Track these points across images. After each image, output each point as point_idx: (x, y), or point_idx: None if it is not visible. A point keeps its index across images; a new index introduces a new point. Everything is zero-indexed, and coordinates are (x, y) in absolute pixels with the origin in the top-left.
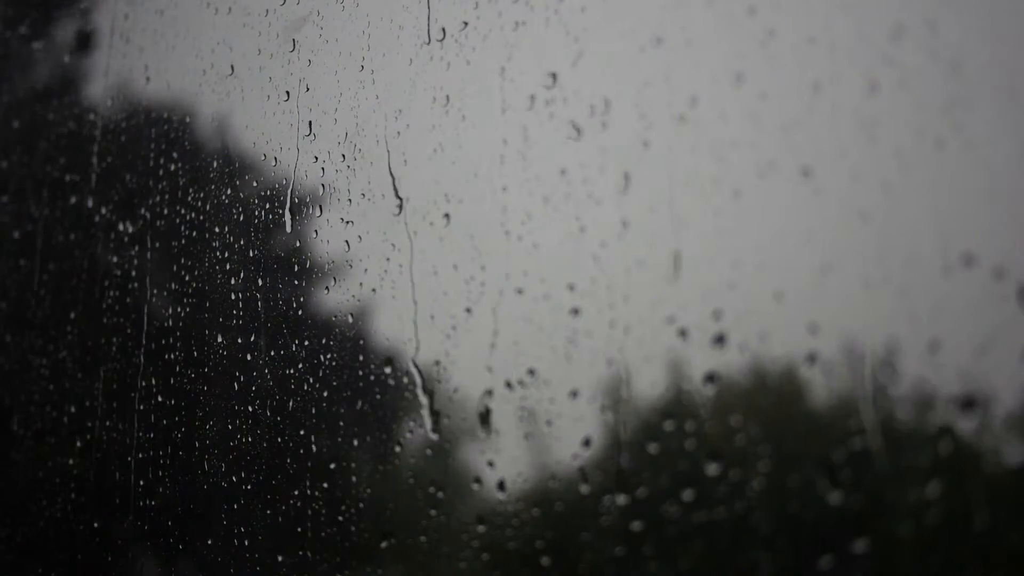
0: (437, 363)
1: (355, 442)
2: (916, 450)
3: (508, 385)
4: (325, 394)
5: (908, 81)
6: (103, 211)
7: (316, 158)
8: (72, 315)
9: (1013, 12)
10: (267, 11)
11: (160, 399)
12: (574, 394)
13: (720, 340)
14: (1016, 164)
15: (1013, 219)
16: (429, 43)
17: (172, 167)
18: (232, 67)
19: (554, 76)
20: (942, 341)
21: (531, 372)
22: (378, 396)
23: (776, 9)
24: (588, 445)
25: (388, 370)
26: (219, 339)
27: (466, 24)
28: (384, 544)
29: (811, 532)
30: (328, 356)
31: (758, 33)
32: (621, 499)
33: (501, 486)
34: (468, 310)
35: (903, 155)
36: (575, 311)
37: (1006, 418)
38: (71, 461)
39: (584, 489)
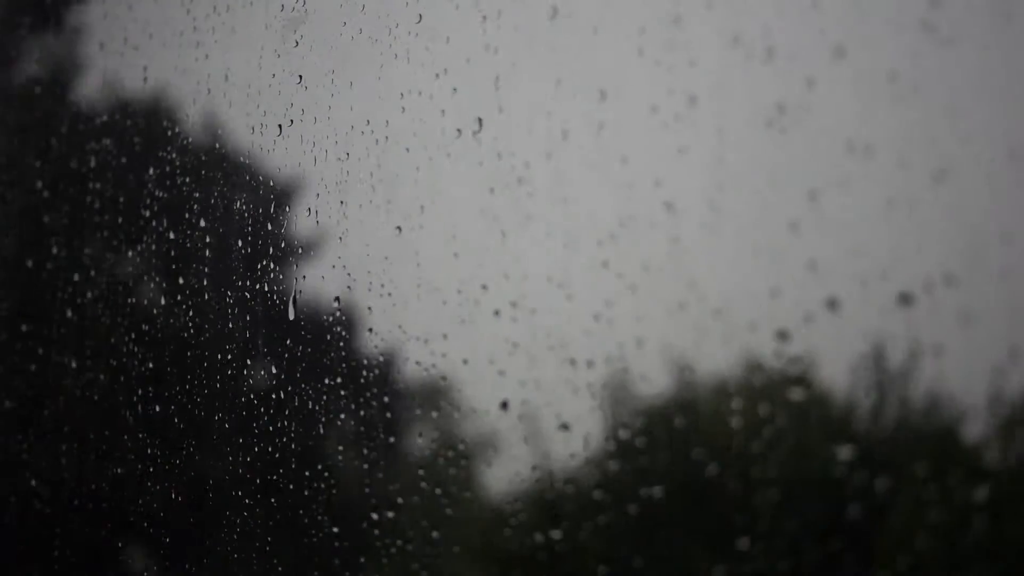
0: (436, 363)
1: (354, 442)
2: (918, 450)
3: (507, 386)
4: (324, 394)
5: (906, 81)
6: (100, 210)
7: (314, 158)
8: (69, 314)
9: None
10: (266, 10)
11: (157, 399)
12: (573, 392)
13: (719, 339)
14: (1016, 165)
15: (1013, 220)
16: (429, 47)
17: (169, 167)
18: (230, 65)
19: (557, 79)
20: (944, 341)
21: (530, 372)
22: (377, 396)
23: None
24: (588, 445)
25: (387, 370)
26: (217, 339)
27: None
28: (383, 544)
29: (812, 532)
30: (327, 356)
31: (755, 36)
32: (620, 499)
33: (500, 486)
34: (467, 312)
35: (900, 156)
36: (574, 310)
37: (1008, 418)
38: (67, 462)
39: (583, 489)
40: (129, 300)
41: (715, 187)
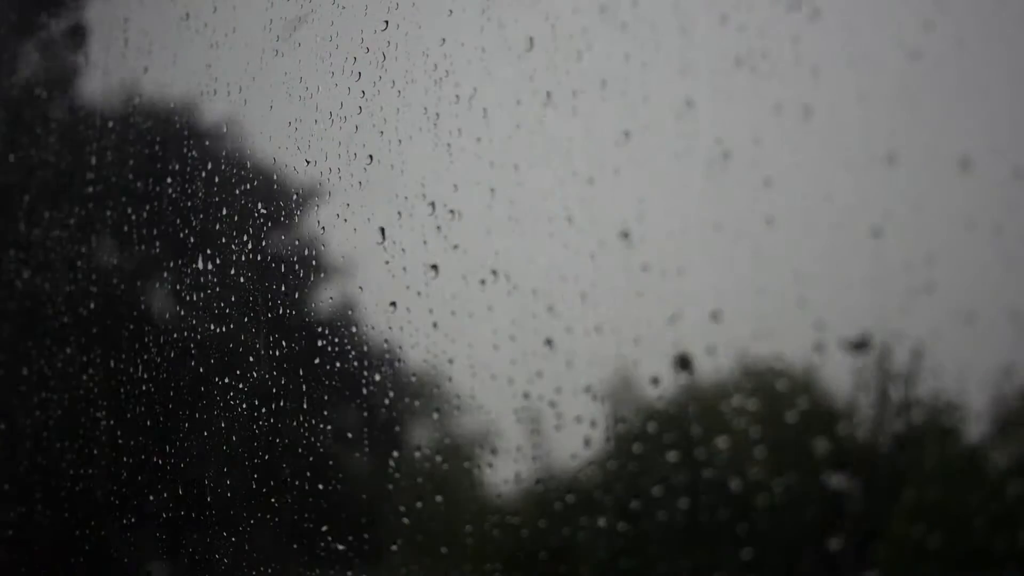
0: (436, 364)
1: (353, 443)
2: (918, 451)
3: (507, 385)
4: (323, 395)
5: (903, 82)
6: (100, 211)
7: (316, 159)
8: (67, 316)
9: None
10: (267, 9)
11: (156, 401)
12: (574, 394)
13: (721, 339)
14: (1017, 166)
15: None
16: (443, 42)
17: (168, 166)
18: (230, 66)
19: (571, 86)
20: (945, 341)
21: (531, 371)
22: (377, 397)
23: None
24: (588, 445)
25: (388, 370)
26: (216, 340)
27: (484, 10)
28: (382, 545)
29: (812, 533)
30: (327, 356)
31: (743, 46)
32: (620, 499)
33: (500, 486)
34: (468, 313)
35: (904, 157)
36: (575, 311)
37: (1008, 418)
38: (65, 465)
39: (583, 489)
40: (131, 300)
41: (715, 188)
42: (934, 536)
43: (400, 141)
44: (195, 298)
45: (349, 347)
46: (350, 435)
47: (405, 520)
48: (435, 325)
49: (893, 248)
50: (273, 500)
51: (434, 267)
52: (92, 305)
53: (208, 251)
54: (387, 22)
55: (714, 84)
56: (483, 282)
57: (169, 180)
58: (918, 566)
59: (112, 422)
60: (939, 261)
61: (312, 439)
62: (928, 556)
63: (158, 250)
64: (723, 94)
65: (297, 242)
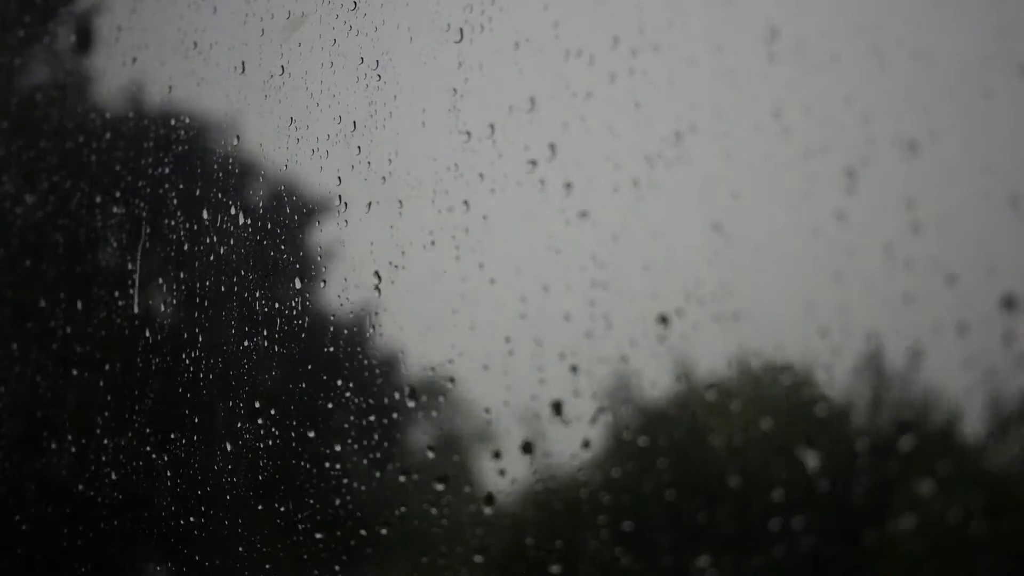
0: (438, 365)
1: (355, 443)
2: (917, 451)
3: (507, 387)
4: (325, 395)
5: (908, 76)
6: (103, 213)
7: (314, 153)
8: (70, 317)
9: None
10: (267, 10)
11: (160, 401)
12: (574, 394)
13: (720, 339)
14: (1015, 164)
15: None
16: (437, 44)
17: (169, 169)
18: (231, 67)
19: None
20: (942, 342)
21: (531, 372)
22: (378, 397)
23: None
24: (587, 446)
25: (389, 371)
26: (219, 340)
27: (484, 13)
28: (383, 546)
29: (811, 533)
30: (327, 357)
31: (741, 49)
32: (620, 500)
33: (500, 487)
34: (472, 314)
35: (906, 153)
36: (573, 311)
37: (1007, 419)
38: (67, 465)
39: (583, 490)
40: (138, 302)
41: (714, 189)
42: (931, 536)
43: (401, 143)
44: (199, 300)
45: (350, 348)
46: (351, 436)
47: (405, 521)
48: (436, 325)
49: (893, 248)
50: (273, 502)
51: (438, 270)
52: (91, 304)
53: (211, 254)
54: (384, 20)
55: (713, 86)
56: (482, 284)
57: (170, 182)
58: (915, 566)
59: (113, 424)
60: (939, 261)
61: (314, 440)
62: (926, 556)
63: (161, 252)
64: (722, 96)
65: (301, 245)
